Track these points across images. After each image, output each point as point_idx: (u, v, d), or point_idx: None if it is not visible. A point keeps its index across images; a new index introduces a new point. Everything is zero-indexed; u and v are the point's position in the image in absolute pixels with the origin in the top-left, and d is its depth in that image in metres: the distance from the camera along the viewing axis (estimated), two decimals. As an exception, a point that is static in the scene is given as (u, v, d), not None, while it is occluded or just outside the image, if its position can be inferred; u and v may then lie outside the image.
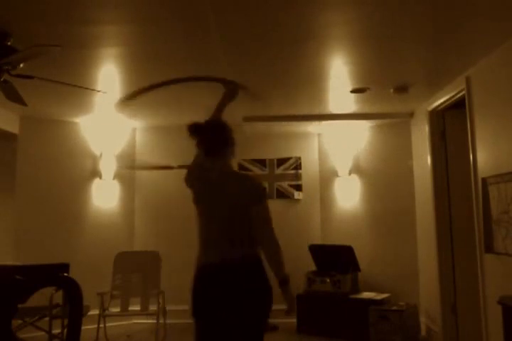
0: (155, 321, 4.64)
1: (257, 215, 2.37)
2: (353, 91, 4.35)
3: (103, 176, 5.67)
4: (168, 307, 4.82)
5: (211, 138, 2.47)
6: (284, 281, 2.36)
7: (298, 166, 5.95)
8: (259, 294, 2.37)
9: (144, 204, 5.92)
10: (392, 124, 5.47)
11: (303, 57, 3.49)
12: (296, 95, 4.59)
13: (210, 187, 2.49)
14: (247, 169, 5.83)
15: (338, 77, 4.06)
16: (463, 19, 2.86)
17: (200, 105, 5.00)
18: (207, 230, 2.47)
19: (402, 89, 4.26)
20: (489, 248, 3.46)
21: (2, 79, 3.08)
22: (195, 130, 2.46)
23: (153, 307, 4.82)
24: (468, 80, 3.79)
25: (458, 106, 4.17)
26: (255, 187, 2.47)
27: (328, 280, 5.08)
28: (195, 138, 2.49)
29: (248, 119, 5.27)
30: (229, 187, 2.45)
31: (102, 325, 4.61)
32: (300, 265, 5.10)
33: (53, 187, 5.44)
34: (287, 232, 4.52)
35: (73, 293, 1.62)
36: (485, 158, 3.59)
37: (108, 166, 5.70)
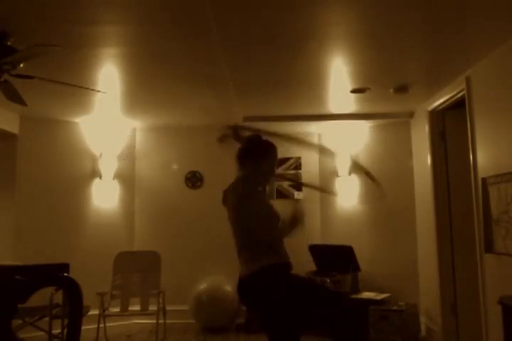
0: (155, 321, 4.64)
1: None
2: (353, 91, 4.35)
3: (103, 176, 5.67)
4: (168, 307, 4.82)
5: (242, 146, 2.63)
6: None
7: (298, 166, 5.95)
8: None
9: (144, 204, 5.92)
10: (392, 124, 5.47)
11: (303, 57, 3.49)
12: (297, 95, 4.59)
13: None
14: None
15: (338, 77, 4.06)
16: (463, 19, 2.86)
17: (200, 105, 5.02)
18: None
19: (402, 89, 4.26)
20: (489, 248, 3.46)
21: (2, 79, 3.08)
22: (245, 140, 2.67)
23: (153, 307, 4.82)
24: (468, 80, 3.79)
25: (458, 106, 4.17)
26: (239, 184, 2.51)
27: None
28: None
29: (248, 119, 5.25)
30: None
31: (102, 325, 4.60)
32: (300, 265, 5.09)
33: (53, 187, 5.44)
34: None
35: (73, 293, 1.62)
36: (485, 158, 3.59)
37: (108, 166, 5.70)
